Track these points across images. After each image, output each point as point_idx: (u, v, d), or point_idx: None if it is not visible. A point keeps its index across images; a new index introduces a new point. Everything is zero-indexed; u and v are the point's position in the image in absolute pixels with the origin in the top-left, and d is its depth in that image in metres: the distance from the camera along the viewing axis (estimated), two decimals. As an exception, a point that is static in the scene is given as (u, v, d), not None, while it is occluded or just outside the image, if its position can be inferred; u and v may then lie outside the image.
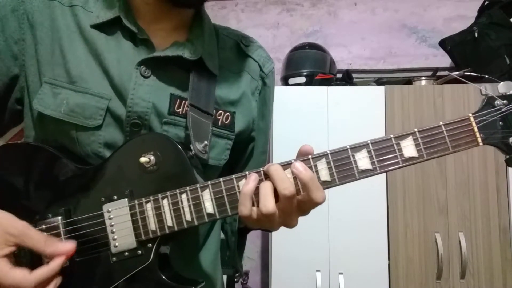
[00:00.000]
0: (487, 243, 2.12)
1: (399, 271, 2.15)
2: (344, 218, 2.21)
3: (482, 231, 2.13)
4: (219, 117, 0.87)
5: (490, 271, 2.10)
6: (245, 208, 0.68)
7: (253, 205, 0.69)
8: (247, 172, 0.71)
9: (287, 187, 0.66)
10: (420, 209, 2.18)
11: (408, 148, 0.69)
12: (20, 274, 0.65)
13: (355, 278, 2.16)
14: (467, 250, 2.11)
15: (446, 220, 2.15)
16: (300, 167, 0.67)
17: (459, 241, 2.12)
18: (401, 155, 0.69)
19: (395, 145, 0.69)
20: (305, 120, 2.30)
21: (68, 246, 0.70)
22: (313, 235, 2.20)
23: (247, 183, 0.68)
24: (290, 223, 0.71)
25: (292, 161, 0.70)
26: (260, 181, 0.69)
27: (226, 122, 0.88)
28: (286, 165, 0.70)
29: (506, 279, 2.08)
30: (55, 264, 0.68)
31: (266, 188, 0.67)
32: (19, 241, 0.67)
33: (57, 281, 0.69)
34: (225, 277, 2.54)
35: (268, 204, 0.66)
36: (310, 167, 0.69)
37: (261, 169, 0.70)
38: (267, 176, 0.69)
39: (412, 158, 0.69)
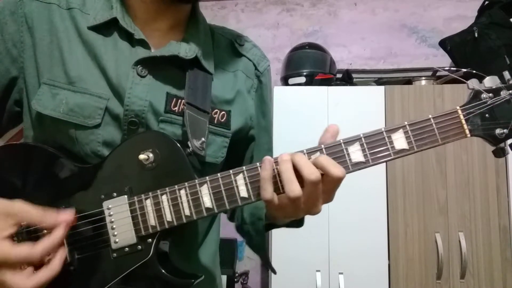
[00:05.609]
0: (487, 243, 2.12)
1: (399, 271, 2.16)
2: (344, 218, 2.21)
3: (482, 231, 2.13)
4: (215, 115, 0.88)
5: (490, 271, 2.10)
6: (267, 192, 0.69)
7: (277, 192, 0.70)
8: (244, 167, 0.72)
9: (313, 171, 0.67)
10: (420, 209, 2.19)
11: (399, 140, 0.71)
12: (25, 248, 0.65)
13: (355, 278, 2.16)
14: (467, 250, 2.11)
15: (446, 220, 2.16)
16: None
17: (459, 241, 2.12)
18: (393, 147, 0.71)
19: (386, 138, 0.72)
20: (305, 120, 2.31)
21: (66, 215, 0.71)
22: (313, 235, 2.21)
23: (264, 168, 0.69)
24: (315, 210, 0.72)
25: (304, 151, 0.72)
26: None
27: (222, 120, 0.89)
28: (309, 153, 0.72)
29: (506, 279, 2.09)
30: (57, 234, 0.69)
31: (288, 172, 0.68)
32: (19, 219, 0.68)
33: (63, 252, 0.70)
34: (225, 277, 2.54)
35: (294, 188, 0.67)
36: None
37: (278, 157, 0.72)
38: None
39: (403, 150, 0.71)
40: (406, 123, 0.72)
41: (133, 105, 0.79)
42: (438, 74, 2.58)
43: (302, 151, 0.72)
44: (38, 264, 0.69)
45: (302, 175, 0.67)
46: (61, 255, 0.70)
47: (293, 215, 0.75)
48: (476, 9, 2.59)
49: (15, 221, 0.68)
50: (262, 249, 0.97)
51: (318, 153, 0.71)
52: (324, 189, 0.69)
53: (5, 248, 0.65)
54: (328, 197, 0.72)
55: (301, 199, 0.68)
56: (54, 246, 0.68)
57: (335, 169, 0.67)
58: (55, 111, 0.77)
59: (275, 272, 1.00)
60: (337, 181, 0.68)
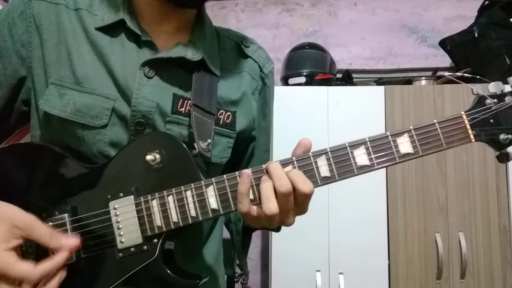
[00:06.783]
0: (487, 243, 2.12)
1: (399, 271, 2.16)
2: (344, 218, 2.21)
3: (482, 231, 2.13)
4: (220, 116, 0.89)
5: (490, 271, 2.10)
6: (244, 206, 0.71)
7: (254, 203, 0.71)
8: (249, 169, 0.73)
9: (283, 184, 0.68)
10: (420, 209, 2.19)
11: (404, 144, 0.72)
12: (26, 267, 0.66)
13: (355, 278, 2.16)
14: (467, 250, 2.11)
15: (446, 220, 2.16)
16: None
17: (459, 241, 2.12)
18: (398, 151, 0.72)
19: (391, 142, 0.72)
20: (305, 120, 2.31)
21: (72, 241, 0.71)
22: (313, 235, 2.21)
23: (242, 182, 0.71)
24: (287, 221, 0.73)
25: (294, 158, 0.72)
26: (260, 178, 0.72)
27: (228, 121, 0.90)
28: (286, 163, 0.72)
29: (506, 279, 2.09)
30: (59, 259, 0.69)
31: (268, 189, 0.69)
32: (25, 234, 0.68)
33: (62, 274, 0.70)
34: (225, 277, 2.53)
35: (271, 206, 0.68)
36: (311, 164, 0.72)
37: (263, 166, 0.73)
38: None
39: (408, 154, 0.72)
40: (411, 127, 0.72)
41: (140, 105, 0.79)
42: (438, 74, 2.58)
43: (308, 154, 0.73)
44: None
45: (275, 186, 0.69)
46: (60, 277, 0.70)
47: (267, 226, 0.76)
48: (476, 9, 2.60)
49: (22, 234, 0.68)
50: (239, 248, 1.00)
51: (323, 156, 0.72)
52: (294, 202, 0.70)
53: (9, 261, 0.66)
54: (300, 210, 0.73)
55: (277, 214, 0.69)
56: (54, 270, 0.69)
57: (303, 184, 0.68)
58: (63, 111, 0.78)
59: (246, 273, 1.02)
60: (305, 196, 0.69)
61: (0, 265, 0.65)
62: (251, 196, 0.71)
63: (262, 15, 3.20)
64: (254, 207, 0.71)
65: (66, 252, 0.70)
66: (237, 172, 0.73)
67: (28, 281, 0.66)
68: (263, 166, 0.72)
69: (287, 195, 0.68)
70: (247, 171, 0.71)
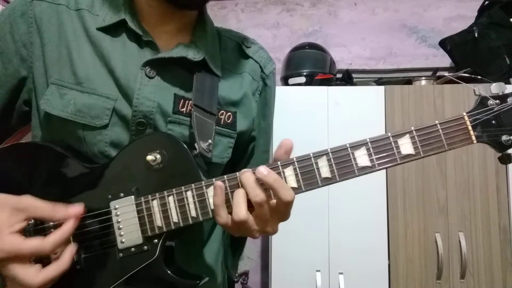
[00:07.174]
0: (487, 243, 2.12)
1: (399, 271, 2.16)
2: (344, 218, 2.21)
3: (482, 231, 2.13)
4: (221, 117, 0.89)
5: (490, 271, 2.10)
6: (221, 217, 0.70)
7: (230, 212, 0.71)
8: (250, 170, 0.72)
9: (257, 194, 0.68)
10: (420, 209, 2.18)
11: (405, 145, 0.71)
12: (37, 241, 0.67)
13: (355, 278, 2.16)
14: (467, 250, 2.11)
15: (446, 220, 2.16)
16: (264, 171, 0.69)
17: (459, 241, 2.12)
18: (399, 152, 0.71)
19: (392, 143, 0.72)
20: (305, 120, 2.30)
21: (76, 208, 0.72)
22: (313, 235, 2.20)
23: (216, 194, 0.70)
24: (267, 230, 0.72)
25: (294, 159, 0.72)
26: (235, 186, 0.72)
27: (228, 121, 0.90)
28: (287, 164, 0.72)
29: (506, 279, 2.09)
30: (68, 227, 0.70)
31: (239, 197, 0.69)
32: (29, 214, 0.69)
33: (72, 247, 0.71)
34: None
35: (239, 212, 0.68)
36: (311, 164, 0.72)
37: (237, 173, 0.72)
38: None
39: (409, 155, 0.71)
40: (412, 128, 0.72)
41: (142, 106, 0.79)
42: (438, 74, 2.58)
43: (308, 155, 0.72)
44: (46, 261, 0.70)
45: (249, 197, 0.69)
46: (71, 251, 0.71)
47: (248, 235, 0.75)
48: (476, 9, 2.60)
49: (25, 216, 0.69)
50: (226, 250, 1.01)
51: (324, 157, 0.72)
52: (274, 209, 0.70)
53: (16, 241, 0.66)
54: (282, 217, 0.73)
55: (249, 221, 0.69)
56: (64, 240, 0.69)
57: (285, 192, 0.68)
58: (63, 111, 0.78)
59: (231, 278, 1.02)
60: (287, 204, 0.69)
61: (10, 247, 0.65)
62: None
63: (262, 15, 3.20)
64: (230, 217, 0.70)
65: (72, 221, 0.71)
66: (237, 173, 0.73)
67: (42, 254, 0.68)
68: (237, 174, 0.72)
69: (262, 204, 0.68)
70: (219, 183, 0.71)
